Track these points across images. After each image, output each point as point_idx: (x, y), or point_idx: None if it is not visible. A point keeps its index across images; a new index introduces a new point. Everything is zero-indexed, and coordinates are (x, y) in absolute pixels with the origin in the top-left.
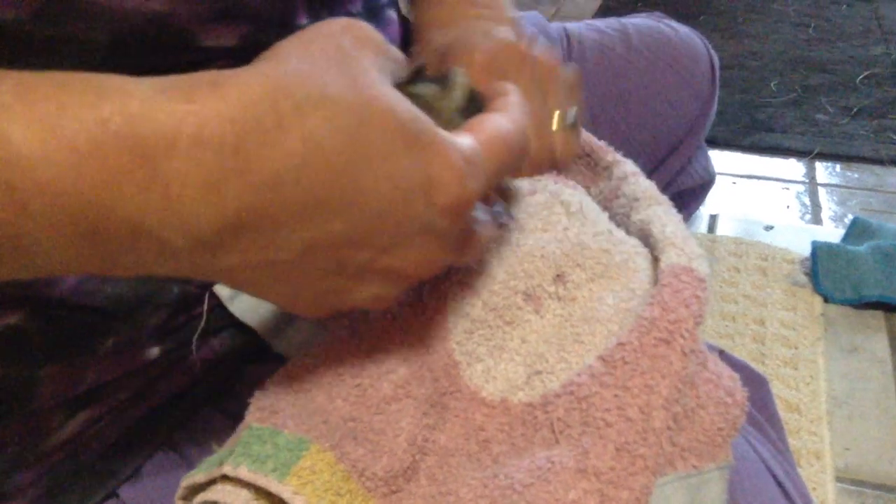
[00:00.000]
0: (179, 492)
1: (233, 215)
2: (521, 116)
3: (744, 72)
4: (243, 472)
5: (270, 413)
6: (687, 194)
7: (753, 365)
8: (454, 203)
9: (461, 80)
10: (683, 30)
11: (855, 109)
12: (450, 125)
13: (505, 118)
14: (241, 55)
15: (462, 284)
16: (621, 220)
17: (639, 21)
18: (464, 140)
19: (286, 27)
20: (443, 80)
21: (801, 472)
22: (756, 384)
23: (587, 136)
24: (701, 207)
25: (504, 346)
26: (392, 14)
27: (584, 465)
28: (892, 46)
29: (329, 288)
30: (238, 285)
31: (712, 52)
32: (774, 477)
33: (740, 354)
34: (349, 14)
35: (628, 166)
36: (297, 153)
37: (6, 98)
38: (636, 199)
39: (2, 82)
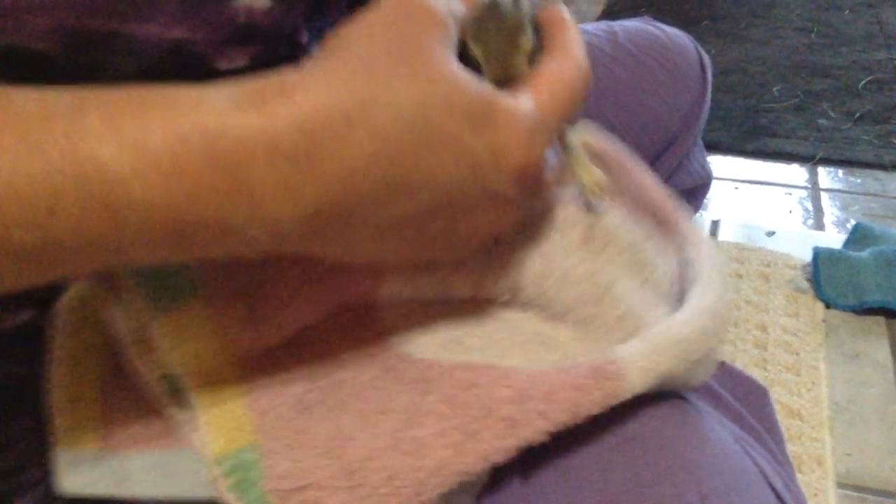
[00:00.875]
0: None
1: (311, 211)
2: (580, 52)
3: (746, 77)
4: (131, 285)
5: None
6: (687, 195)
7: (755, 371)
8: (522, 170)
9: (529, 24)
10: (671, 30)
11: (857, 114)
12: (518, 72)
13: (565, 62)
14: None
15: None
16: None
17: (626, 23)
18: (526, 102)
19: (292, 43)
20: (510, 24)
21: (802, 478)
22: (757, 395)
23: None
24: (703, 212)
25: (435, 320)
26: None
27: (356, 468)
28: (894, 51)
29: (411, 250)
30: (324, 256)
31: (701, 50)
32: (773, 488)
33: (742, 360)
34: (340, 12)
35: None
36: (366, 150)
37: (94, 122)
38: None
39: (87, 105)
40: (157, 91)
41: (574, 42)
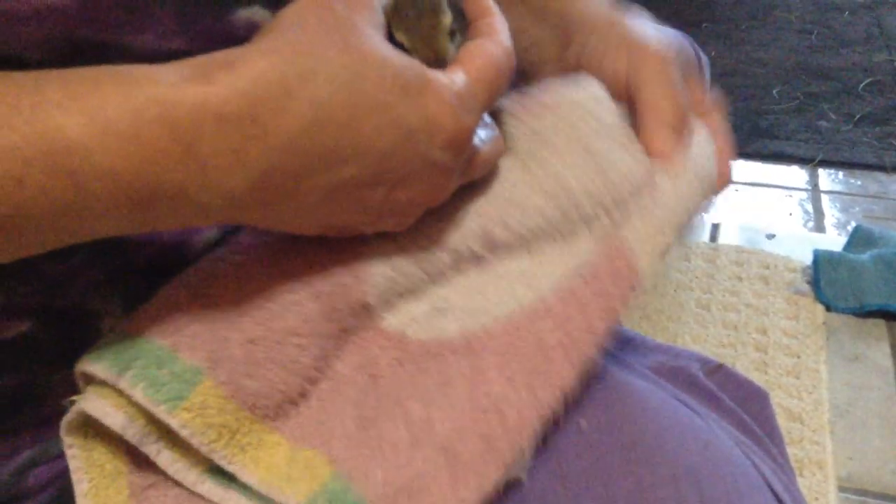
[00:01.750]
0: (78, 370)
1: (258, 175)
2: (506, 34)
3: (746, 79)
4: (139, 395)
5: (172, 329)
6: None
7: (755, 374)
8: (452, 137)
9: (447, 5)
10: (667, 29)
11: (857, 116)
12: (443, 52)
13: (492, 43)
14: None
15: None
16: None
17: None
18: (456, 76)
19: None
20: (426, 6)
21: (803, 482)
22: (757, 398)
23: None
24: (703, 215)
25: (417, 292)
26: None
27: (449, 443)
28: (894, 53)
29: (354, 222)
30: (273, 226)
31: (698, 49)
32: (774, 492)
33: (742, 364)
34: None
35: None
36: (305, 115)
37: (56, 96)
38: None
39: (49, 83)
40: (111, 69)
41: (499, 25)
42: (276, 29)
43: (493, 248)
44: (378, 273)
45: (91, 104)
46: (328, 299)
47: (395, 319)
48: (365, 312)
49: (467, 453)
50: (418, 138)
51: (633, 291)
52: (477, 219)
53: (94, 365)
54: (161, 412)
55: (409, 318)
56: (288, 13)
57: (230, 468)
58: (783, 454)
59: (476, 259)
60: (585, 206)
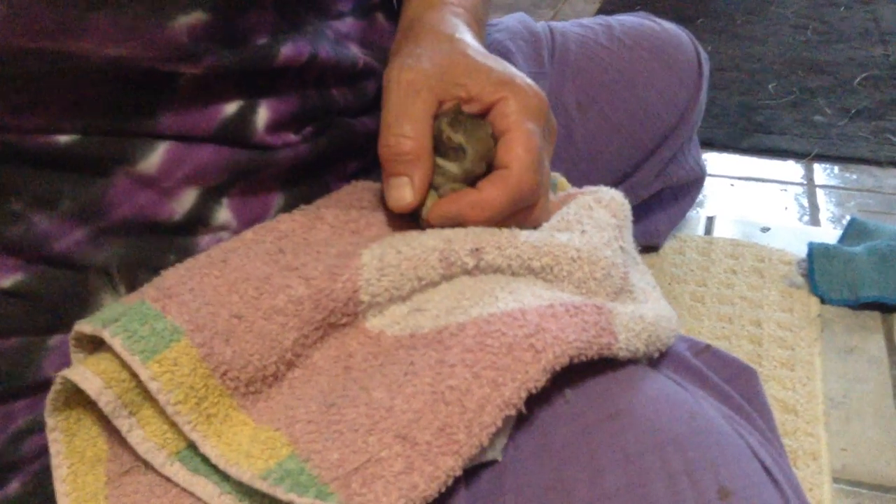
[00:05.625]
0: (73, 335)
1: None
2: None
3: (742, 74)
4: (116, 344)
5: (165, 295)
6: (681, 189)
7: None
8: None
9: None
10: (668, 24)
11: (853, 111)
12: (492, 151)
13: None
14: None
15: (386, 228)
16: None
17: (623, 17)
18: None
19: (250, 46)
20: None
21: (797, 474)
22: (745, 375)
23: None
24: (698, 209)
25: (405, 296)
26: (381, 18)
27: (406, 431)
28: (890, 48)
29: None
30: None
31: (698, 44)
32: (761, 463)
33: (737, 355)
34: (338, 13)
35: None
36: None
37: None
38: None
39: None
40: None
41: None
42: None
43: (484, 267)
44: (372, 266)
45: None
46: (320, 286)
47: (377, 321)
48: (353, 309)
49: (424, 441)
50: None
51: (608, 351)
52: (474, 237)
53: (86, 325)
54: (135, 362)
55: (391, 320)
56: None
57: (193, 435)
58: (773, 429)
59: (465, 272)
60: (577, 268)
